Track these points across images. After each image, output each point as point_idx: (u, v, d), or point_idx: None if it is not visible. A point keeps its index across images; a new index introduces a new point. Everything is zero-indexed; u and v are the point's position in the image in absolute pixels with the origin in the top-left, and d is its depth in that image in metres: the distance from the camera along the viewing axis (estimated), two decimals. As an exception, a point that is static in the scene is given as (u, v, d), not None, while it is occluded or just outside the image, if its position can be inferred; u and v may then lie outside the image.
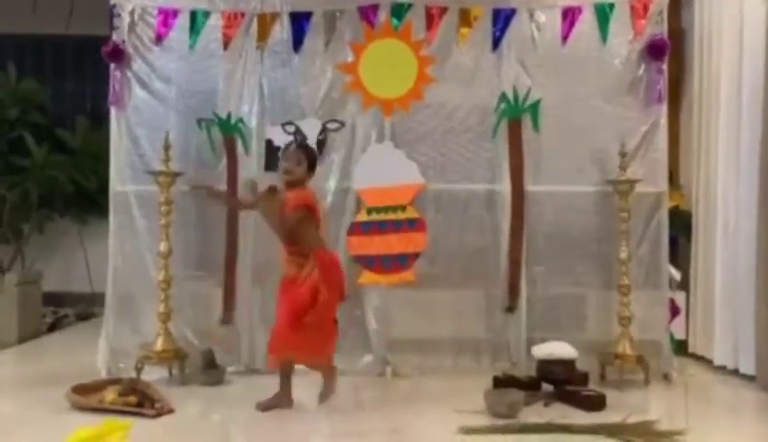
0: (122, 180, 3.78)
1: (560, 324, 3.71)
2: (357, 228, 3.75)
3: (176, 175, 3.58)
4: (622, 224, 3.58)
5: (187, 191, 3.69)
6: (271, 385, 3.13)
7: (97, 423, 2.72)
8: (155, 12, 3.79)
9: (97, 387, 3.20)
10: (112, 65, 3.77)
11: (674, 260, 4.06)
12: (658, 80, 3.72)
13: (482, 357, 3.76)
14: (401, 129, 3.79)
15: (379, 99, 3.79)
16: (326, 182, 3.78)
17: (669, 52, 3.76)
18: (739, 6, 3.72)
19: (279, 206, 2.97)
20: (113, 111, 3.80)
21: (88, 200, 5.26)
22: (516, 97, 3.75)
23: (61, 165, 5.19)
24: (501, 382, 3.35)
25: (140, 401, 3.03)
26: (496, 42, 3.78)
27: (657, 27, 3.74)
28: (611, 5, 3.74)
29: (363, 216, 3.75)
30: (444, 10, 3.78)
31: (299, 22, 3.79)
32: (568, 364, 3.34)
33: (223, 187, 3.74)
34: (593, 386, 3.34)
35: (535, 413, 2.99)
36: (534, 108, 3.74)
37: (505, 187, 3.76)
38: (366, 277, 3.74)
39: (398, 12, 3.78)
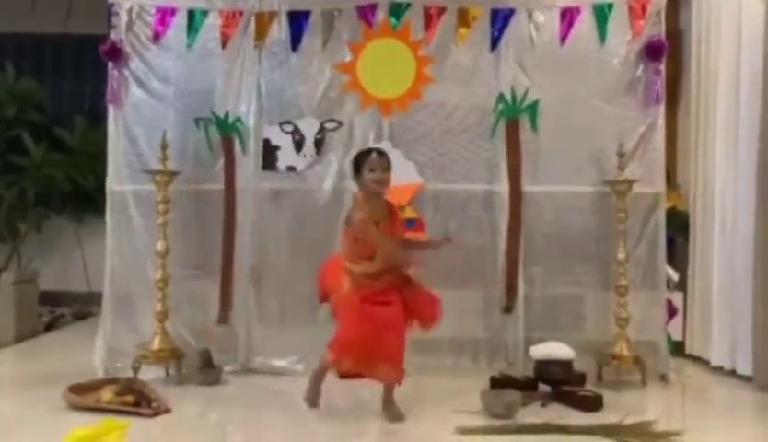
0: (119, 179, 3.77)
1: (557, 324, 3.71)
2: (355, 228, 3.74)
3: (173, 174, 3.58)
4: (620, 224, 3.58)
5: (184, 191, 3.70)
6: (268, 384, 3.14)
7: (94, 422, 2.72)
8: (152, 11, 3.77)
9: (94, 386, 3.19)
10: (110, 64, 3.77)
11: (672, 260, 4.06)
12: (656, 81, 3.73)
13: (479, 357, 3.76)
14: (399, 129, 3.79)
15: (377, 99, 3.78)
16: (323, 182, 3.77)
17: (667, 53, 3.77)
18: (737, 7, 3.72)
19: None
20: (111, 110, 3.79)
21: (86, 199, 5.25)
22: (514, 97, 3.75)
23: (58, 164, 5.18)
24: (498, 382, 3.35)
25: (137, 401, 3.02)
26: (495, 42, 3.77)
27: (654, 27, 3.73)
28: (610, 6, 3.74)
29: (361, 216, 3.74)
30: (442, 10, 3.77)
31: (297, 21, 3.78)
32: (565, 364, 3.34)
33: (220, 187, 3.74)
34: (590, 386, 3.34)
35: (532, 414, 2.99)
36: (532, 108, 3.74)
37: (503, 187, 3.76)
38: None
39: (396, 12, 3.78)
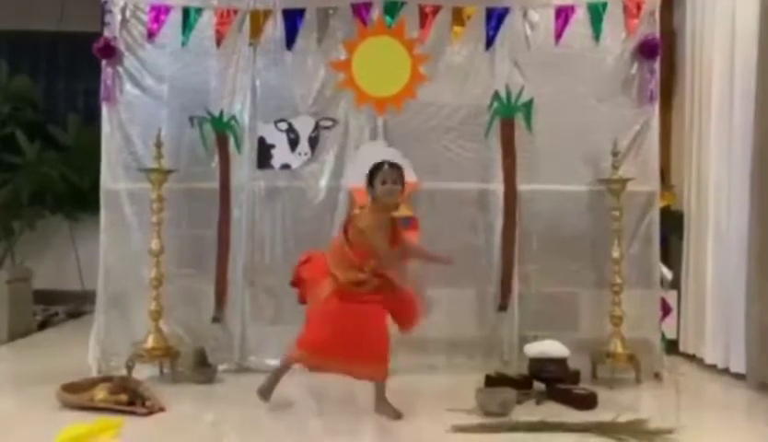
0: (113, 178, 3.76)
1: (552, 323, 3.71)
2: (350, 227, 3.74)
3: (168, 172, 3.57)
4: (614, 223, 3.59)
5: (178, 189, 3.69)
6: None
7: (87, 421, 2.72)
8: (147, 8, 3.77)
9: (87, 385, 3.18)
10: (104, 62, 3.76)
11: (666, 259, 4.07)
12: (650, 80, 3.74)
13: (474, 356, 3.76)
14: (393, 127, 3.79)
15: (372, 97, 3.78)
16: (318, 180, 3.77)
17: (661, 52, 3.78)
18: (731, 6, 3.73)
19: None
20: (105, 108, 3.78)
21: (80, 197, 5.23)
22: (509, 96, 3.75)
23: (53, 162, 5.16)
24: (493, 381, 3.35)
25: (131, 400, 3.01)
26: (490, 41, 3.78)
27: (649, 26, 3.75)
28: (604, 5, 3.75)
29: (355, 215, 3.74)
30: (437, 8, 3.77)
31: (292, 19, 3.78)
32: (560, 362, 3.35)
33: (215, 185, 3.74)
34: (585, 384, 3.35)
35: (527, 412, 3.00)
36: (527, 107, 3.74)
37: (497, 186, 3.76)
38: (359, 275, 3.73)
39: (391, 10, 3.78)
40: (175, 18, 3.77)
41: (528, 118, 3.75)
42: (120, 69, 3.77)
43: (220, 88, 3.79)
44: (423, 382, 3.53)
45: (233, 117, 3.77)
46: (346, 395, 3.16)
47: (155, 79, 3.78)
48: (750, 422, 3.14)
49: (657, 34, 3.75)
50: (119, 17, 3.75)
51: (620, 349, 3.52)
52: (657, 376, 3.65)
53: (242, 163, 3.78)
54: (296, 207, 3.78)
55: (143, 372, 3.49)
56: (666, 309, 4.01)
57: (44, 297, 5.43)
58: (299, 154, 3.79)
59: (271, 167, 3.80)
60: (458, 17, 3.78)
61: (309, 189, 3.78)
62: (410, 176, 3.74)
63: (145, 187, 3.58)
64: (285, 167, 3.80)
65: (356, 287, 2.90)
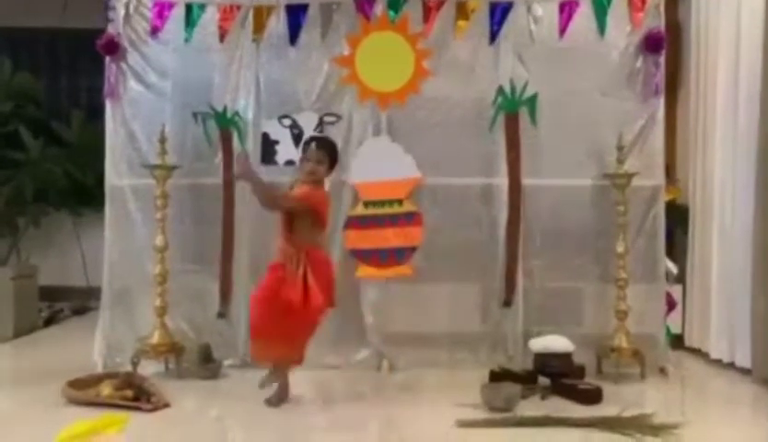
0: (117, 174, 3.77)
1: (557, 318, 3.71)
2: (354, 222, 3.74)
3: (172, 168, 3.57)
4: (619, 217, 3.58)
5: (182, 185, 3.70)
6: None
7: (93, 417, 2.73)
8: (150, 4, 3.77)
9: (93, 381, 3.19)
10: (107, 58, 3.76)
11: (671, 253, 4.06)
12: (655, 73, 3.72)
13: (478, 351, 3.76)
14: (397, 122, 3.78)
15: (376, 93, 3.77)
16: (322, 176, 3.77)
17: (667, 46, 3.76)
18: (737, -1, 3.72)
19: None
20: (108, 105, 3.79)
21: (84, 194, 5.24)
22: (513, 90, 3.73)
23: (56, 158, 5.16)
24: (498, 376, 3.35)
25: (136, 396, 3.02)
26: (494, 36, 3.76)
27: (654, 20, 3.73)
28: (609, -2, 3.74)
29: (359, 210, 3.74)
30: (441, 3, 3.76)
31: (295, 15, 3.77)
32: (565, 357, 3.34)
33: (219, 181, 3.74)
34: (590, 379, 3.34)
35: (532, 407, 3.00)
36: (531, 101, 3.73)
37: (502, 181, 3.75)
38: (363, 271, 3.73)
39: (395, 4, 3.77)
40: (178, 14, 3.77)
41: (532, 112, 3.74)
42: (123, 65, 3.77)
43: (224, 84, 3.79)
44: (427, 377, 3.53)
45: (237, 113, 3.77)
46: (350, 390, 3.16)
47: (158, 75, 3.79)
48: (756, 416, 3.13)
49: (663, 27, 3.73)
50: (122, 13, 3.75)
51: (625, 344, 3.51)
52: (662, 370, 3.64)
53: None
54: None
55: (148, 368, 3.50)
56: (671, 304, 4.00)
57: (49, 294, 5.44)
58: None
59: (275, 162, 3.80)
60: (461, 11, 3.77)
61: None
62: (413, 171, 3.75)
63: (150, 183, 3.58)
64: (290, 162, 3.79)
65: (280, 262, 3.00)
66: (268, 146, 3.79)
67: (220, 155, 3.77)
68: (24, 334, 4.67)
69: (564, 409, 2.96)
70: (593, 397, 3.09)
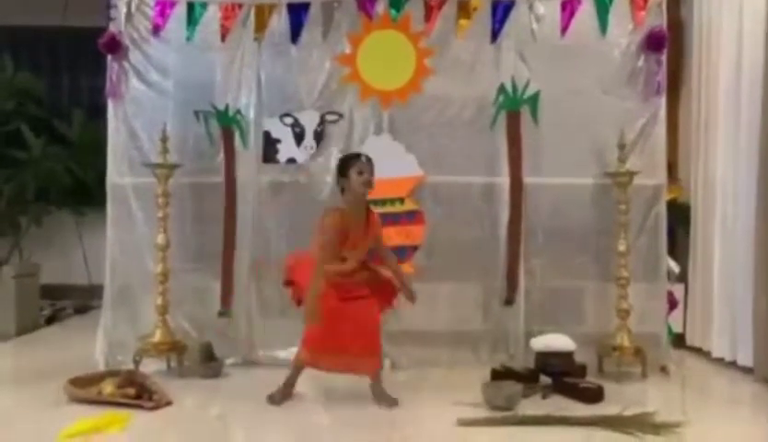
0: (119, 172, 3.77)
1: (558, 316, 3.71)
2: (355, 221, 3.74)
3: (173, 167, 3.58)
4: (621, 216, 3.57)
5: (184, 184, 3.70)
6: (267, 377, 3.14)
7: (95, 415, 2.73)
8: (152, 3, 3.77)
9: (95, 379, 3.20)
10: (109, 57, 3.76)
11: (672, 252, 4.05)
12: (657, 72, 3.71)
13: (480, 350, 3.76)
14: (399, 121, 3.78)
15: (377, 91, 3.77)
16: (324, 174, 3.77)
17: (668, 44, 3.75)
18: (739, -2, 3.71)
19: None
20: (110, 103, 3.79)
21: (86, 192, 5.24)
22: (514, 88, 3.73)
23: (58, 157, 5.17)
24: (499, 374, 3.35)
25: (138, 394, 3.02)
26: (495, 34, 3.76)
27: (656, 18, 3.72)
28: (611, -3, 3.73)
29: (361, 209, 3.74)
30: (442, 1, 3.75)
31: (297, 13, 3.77)
32: (566, 356, 3.34)
33: (220, 180, 3.74)
34: (591, 378, 3.34)
35: (533, 406, 3.00)
36: (533, 100, 3.73)
37: (503, 179, 3.75)
38: (365, 269, 3.73)
39: (396, 3, 3.76)
40: (180, 13, 3.77)
41: (534, 111, 3.73)
42: (125, 64, 3.78)
43: (225, 83, 3.79)
44: (428, 376, 3.53)
45: (238, 111, 3.77)
46: (352, 389, 3.16)
47: (160, 74, 3.79)
48: (757, 415, 3.12)
49: (665, 26, 3.72)
50: (124, 12, 3.75)
51: (626, 343, 3.51)
52: (663, 369, 3.64)
53: (248, 157, 3.78)
54: (301, 201, 3.77)
55: (150, 366, 3.50)
56: (673, 303, 3.99)
57: (51, 292, 5.45)
58: (305, 148, 3.78)
59: (276, 161, 3.80)
60: (463, 9, 3.76)
61: (315, 183, 3.78)
62: (415, 169, 3.75)
63: (151, 182, 3.59)
64: (291, 161, 3.79)
65: (345, 278, 2.97)
66: (269, 145, 3.79)
67: (222, 153, 3.77)
68: (26, 333, 4.68)
69: (566, 408, 2.96)
70: (594, 396, 3.09)
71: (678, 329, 4.08)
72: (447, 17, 3.77)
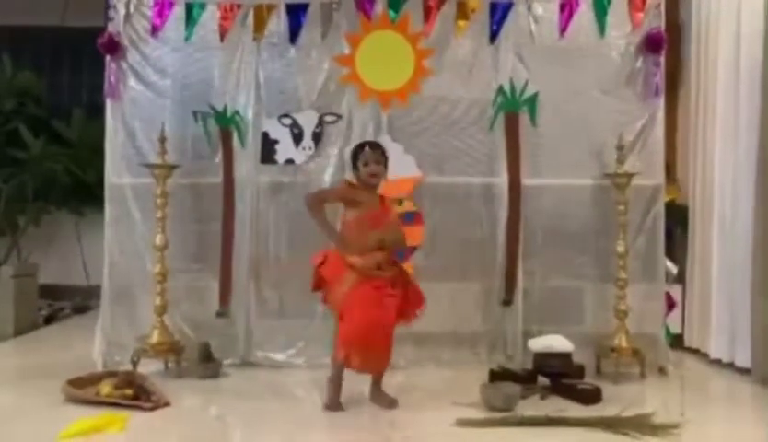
0: (117, 173, 3.77)
1: (557, 317, 3.71)
2: (354, 221, 3.74)
3: (172, 167, 3.58)
4: (620, 217, 3.57)
5: (182, 184, 3.70)
6: (266, 378, 3.14)
7: (93, 415, 2.73)
8: (150, 3, 3.77)
9: (93, 379, 3.19)
10: (108, 57, 3.76)
11: (670, 253, 4.06)
12: (656, 73, 3.72)
13: (478, 350, 3.76)
14: (398, 122, 3.78)
15: (376, 92, 3.77)
16: (322, 175, 3.77)
17: (667, 46, 3.76)
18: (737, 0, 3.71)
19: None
20: (109, 103, 3.79)
21: (85, 192, 5.24)
22: (513, 90, 3.74)
23: (57, 157, 5.17)
24: (497, 375, 3.35)
25: (136, 394, 3.01)
26: (494, 35, 3.76)
27: (654, 20, 3.73)
28: (609, -2, 3.73)
29: (360, 209, 3.74)
30: (441, 2, 3.76)
31: (296, 14, 3.77)
32: (565, 357, 3.34)
33: (218, 180, 3.74)
34: (589, 379, 3.34)
35: (531, 407, 2.99)
36: (531, 101, 3.73)
37: (502, 180, 3.75)
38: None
39: (395, 4, 3.77)
40: (179, 13, 3.77)
41: (532, 112, 3.74)
42: (123, 64, 3.78)
43: (224, 83, 3.79)
44: (427, 376, 3.54)
45: (237, 112, 3.77)
46: (352, 389, 3.15)
47: (158, 74, 3.79)
48: (755, 416, 3.13)
49: (663, 27, 3.73)
50: (123, 12, 3.75)
51: (624, 343, 3.51)
52: (661, 370, 3.65)
53: (246, 158, 3.78)
54: (300, 202, 3.76)
55: (148, 367, 3.50)
56: (671, 304, 4.00)
57: (50, 292, 5.45)
58: (303, 149, 3.78)
59: (275, 161, 3.80)
60: (462, 10, 3.77)
61: (313, 184, 3.77)
62: (414, 170, 3.75)
63: (150, 182, 3.59)
64: (289, 162, 3.79)
65: (377, 270, 2.92)
66: (268, 145, 3.79)
67: (220, 154, 3.77)
68: (24, 333, 4.68)
69: (564, 409, 2.95)
70: (593, 397, 3.09)
71: (676, 330, 4.08)
72: (445, 17, 3.77)
